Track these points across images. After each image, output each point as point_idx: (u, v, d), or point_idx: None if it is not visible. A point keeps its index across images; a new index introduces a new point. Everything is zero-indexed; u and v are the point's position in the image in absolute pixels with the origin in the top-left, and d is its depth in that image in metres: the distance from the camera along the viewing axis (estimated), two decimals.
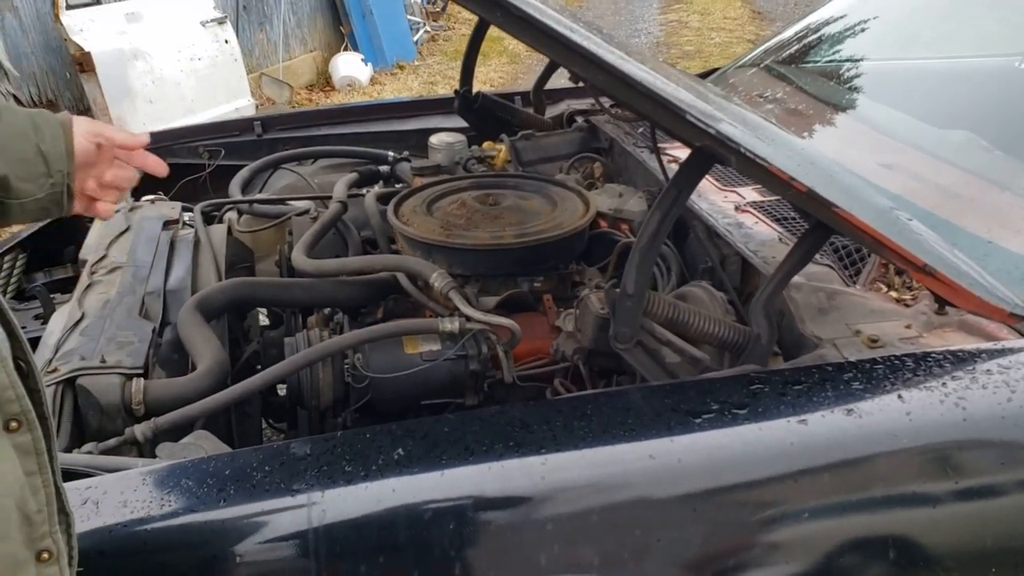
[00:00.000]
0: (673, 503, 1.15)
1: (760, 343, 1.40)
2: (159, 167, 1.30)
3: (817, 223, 1.33)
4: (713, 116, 1.24)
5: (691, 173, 1.28)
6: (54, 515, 0.78)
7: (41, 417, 0.79)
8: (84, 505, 1.09)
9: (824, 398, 1.23)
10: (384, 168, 2.47)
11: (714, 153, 1.17)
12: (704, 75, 3.00)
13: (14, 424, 0.72)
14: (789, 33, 2.96)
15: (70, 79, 5.45)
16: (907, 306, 1.55)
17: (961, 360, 1.31)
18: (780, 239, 1.73)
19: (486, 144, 2.45)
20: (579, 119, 2.60)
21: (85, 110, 5.41)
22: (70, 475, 1.28)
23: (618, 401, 1.24)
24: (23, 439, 0.73)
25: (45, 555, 0.77)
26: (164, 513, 1.07)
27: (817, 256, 1.52)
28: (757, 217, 1.82)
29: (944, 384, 1.26)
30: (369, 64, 8.23)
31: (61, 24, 5.10)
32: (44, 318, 1.77)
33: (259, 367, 1.95)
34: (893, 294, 1.61)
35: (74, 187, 1.15)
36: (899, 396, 1.24)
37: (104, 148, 1.19)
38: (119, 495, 1.10)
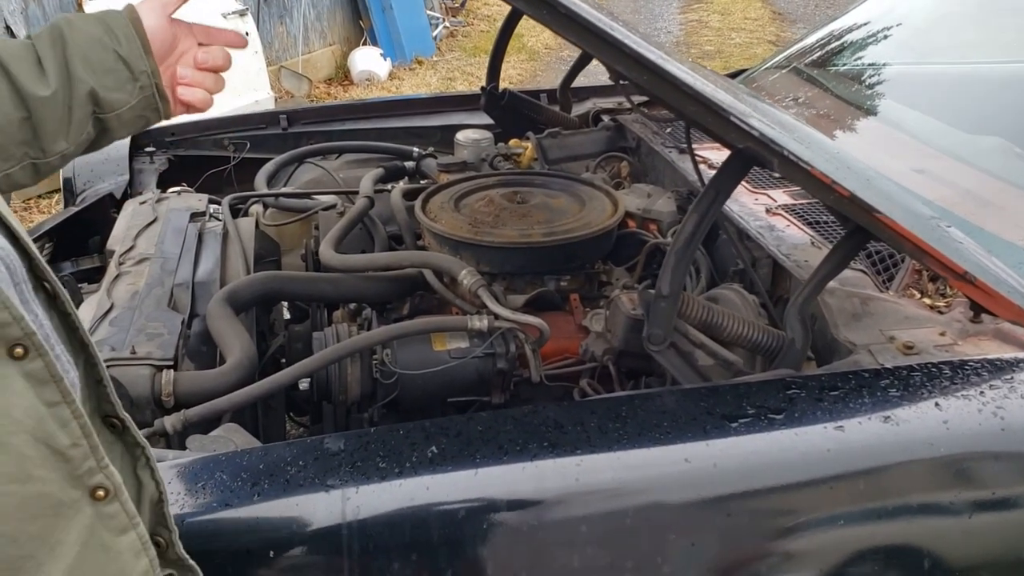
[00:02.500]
0: (708, 507, 1.14)
1: (795, 348, 1.39)
2: (238, 40, 1.22)
3: (855, 228, 1.31)
4: (755, 117, 1.23)
5: (731, 175, 1.27)
6: (98, 447, 0.68)
7: (80, 344, 0.73)
8: None
9: (861, 404, 1.22)
10: (409, 164, 2.46)
11: (756, 155, 1.16)
12: (733, 75, 2.99)
13: (19, 350, 0.62)
14: (817, 36, 2.94)
15: None
16: (941, 313, 1.54)
17: (999, 369, 1.29)
18: (812, 243, 1.71)
19: (512, 142, 2.44)
20: (605, 118, 2.59)
21: None
22: None
23: (652, 403, 1.23)
24: (34, 366, 0.63)
25: (100, 492, 0.68)
26: (198, 507, 1.07)
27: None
28: (788, 220, 1.81)
29: (982, 393, 1.24)
30: (388, 59, 8.22)
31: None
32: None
33: (283, 361, 1.95)
34: (927, 300, 1.60)
35: (162, 85, 1.09)
36: (936, 404, 1.23)
37: (180, 25, 1.12)
38: None
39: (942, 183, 1.90)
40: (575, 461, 1.13)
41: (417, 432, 1.17)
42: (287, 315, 2.31)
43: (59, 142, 1.04)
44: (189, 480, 1.11)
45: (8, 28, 5.00)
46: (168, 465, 1.14)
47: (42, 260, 0.70)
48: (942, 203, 1.76)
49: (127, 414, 0.77)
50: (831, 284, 1.47)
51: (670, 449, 1.16)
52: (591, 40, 1.05)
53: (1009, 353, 1.36)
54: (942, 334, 1.45)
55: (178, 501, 1.07)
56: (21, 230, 0.69)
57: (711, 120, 1.10)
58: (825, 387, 1.25)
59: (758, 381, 1.29)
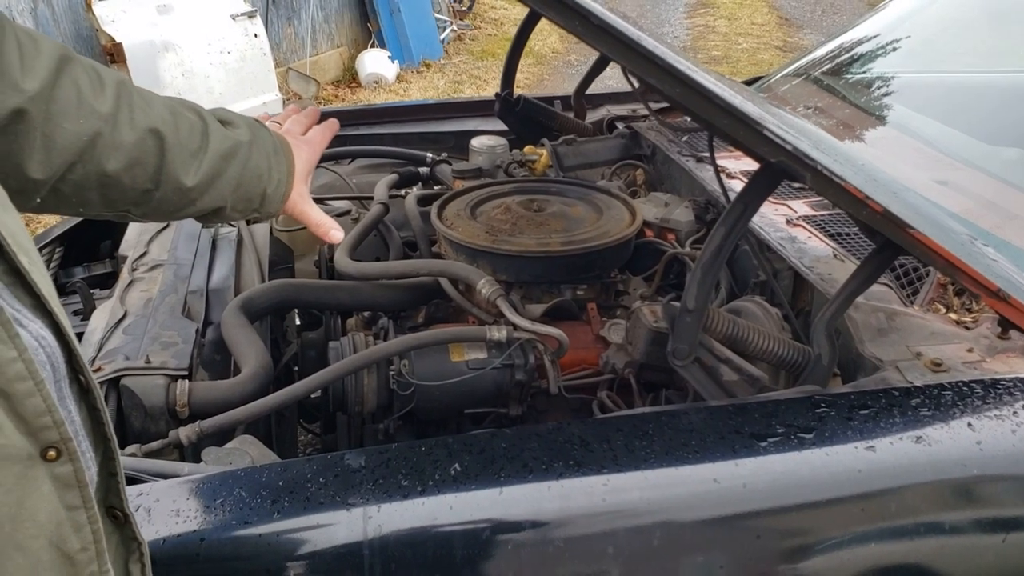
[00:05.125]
0: (737, 529, 1.12)
1: (821, 364, 1.36)
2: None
3: (885, 243, 1.29)
4: (787, 130, 1.21)
5: (760, 188, 1.24)
6: (103, 553, 0.68)
7: (103, 438, 0.73)
8: (137, 512, 1.06)
9: (892, 424, 1.20)
10: (423, 169, 2.44)
11: (787, 169, 1.13)
12: (748, 83, 2.96)
13: (52, 453, 0.62)
14: (833, 44, 2.92)
15: None
16: (967, 329, 1.51)
17: None
18: (835, 255, 1.69)
19: (527, 148, 2.42)
20: (620, 125, 2.57)
21: None
22: None
23: (679, 421, 1.21)
24: (63, 469, 0.64)
25: None
26: (217, 524, 1.05)
27: None
28: (810, 232, 1.79)
29: (1015, 413, 1.22)
30: (396, 62, 8.21)
31: (93, 14, 5.09)
32: (84, 314, 1.75)
33: (296, 369, 1.93)
34: (952, 315, 1.57)
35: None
36: (969, 424, 1.20)
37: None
38: (171, 503, 1.08)
39: (965, 195, 1.88)
40: (602, 480, 1.11)
41: (440, 449, 1.15)
42: (298, 321, 2.29)
43: (158, 216, 1.06)
44: (207, 496, 1.09)
45: None
46: (184, 481, 1.12)
47: (81, 353, 0.70)
48: (966, 215, 1.74)
49: (130, 509, 0.77)
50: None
51: (698, 468, 1.14)
52: (622, 51, 1.02)
53: None
54: (970, 350, 1.43)
55: (196, 518, 1.05)
56: (64, 320, 0.68)
57: (743, 133, 1.08)
58: (855, 406, 1.23)
59: (786, 399, 1.26)
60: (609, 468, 1.12)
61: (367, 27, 8.69)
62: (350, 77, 8.23)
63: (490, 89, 7.63)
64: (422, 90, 7.92)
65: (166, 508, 1.07)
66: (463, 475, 1.10)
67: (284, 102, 6.34)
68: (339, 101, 7.59)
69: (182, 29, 5.37)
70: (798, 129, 1.55)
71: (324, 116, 1.32)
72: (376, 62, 8.04)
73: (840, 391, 1.29)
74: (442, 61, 8.99)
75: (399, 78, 8.15)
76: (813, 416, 1.21)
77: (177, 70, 5.25)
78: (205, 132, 1.03)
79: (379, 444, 1.65)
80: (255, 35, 5.79)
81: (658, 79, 1.03)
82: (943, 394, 1.25)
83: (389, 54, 8.20)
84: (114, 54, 4.92)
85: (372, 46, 8.52)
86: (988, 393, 1.25)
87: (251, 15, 5.85)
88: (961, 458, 1.17)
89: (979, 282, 1.21)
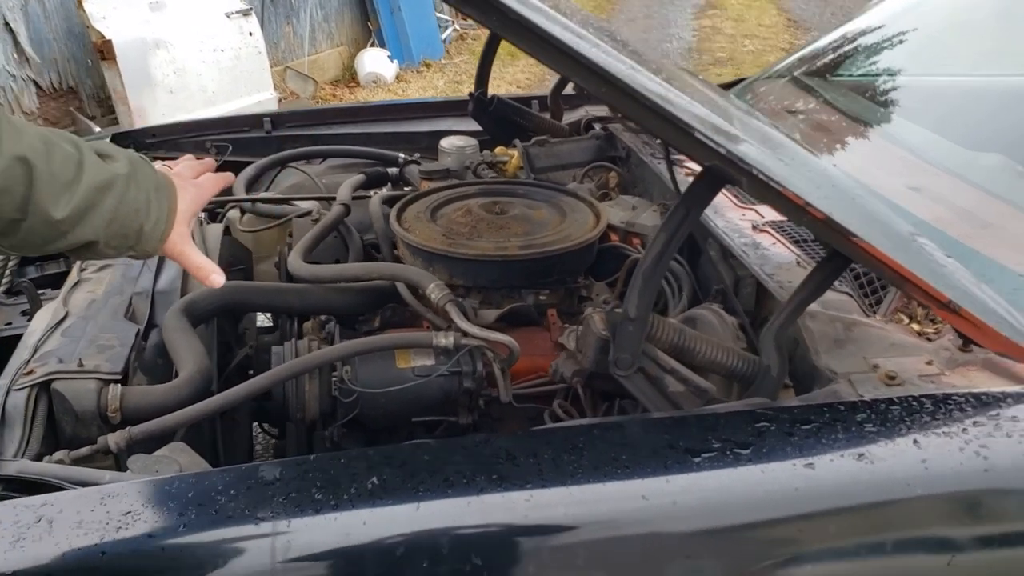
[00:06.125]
0: (665, 548, 1.07)
1: (770, 375, 1.31)
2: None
3: (834, 251, 1.24)
4: (727, 133, 1.16)
5: (701, 193, 1.19)
6: None
7: None
8: (38, 523, 1.03)
9: (834, 440, 1.15)
10: (393, 170, 2.40)
11: (724, 173, 1.09)
12: (732, 84, 2.91)
13: None
14: (822, 43, 2.86)
15: (91, 67, 5.41)
16: (929, 340, 1.46)
17: (984, 404, 1.22)
18: (798, 262, 1.64)
19: (498, 149, 2.37)
20: (597, 126, 2.52)
21: (105, 99, 5.39)
22: (37, 486, 1.23)
23: (614, 434, 1.16)
24: None
25: None
26: (120, 537, 1.00)
27: (836, 283, 1.44)
28: (775, 238, 1.74)
29: (965, 430, 1.17)
30: (395, 61, 8.18)
31: (84, 11, 5.07)
32: (31, 315, 1.71)
33: (251, 372, 1.89)
34: (915, 327, 1.52)
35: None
36: (915, 441, 1.15)
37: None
38: (75, 514, 1.04)
39: (938, 202, 1.82)
40: (524, 496, 1.06)
41: (360, 461, 1.11)
42: (268, 323, 2.25)
43: (28, 248, 1.04)
44: (113, 508, 1.04)
45: (7, 24, 4.97)
46: (90, 492, 1.08)
47: None
48: (937, 223, 1.69)
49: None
50: (814, 307, 1.40)
51: (627, 484, 1.09)
52: (544, 49, 0.98)
53: (997, 386, 1.28)
54: (929, 363, 1.38)
55: (98, 530, 1.01)
56: None
57: (674, 136, 1.03)
58: (797, 420, 1.18)
59: (727, 412, 1.21)
60: (533, 483, 1.07)
61: (367, 26, 8.67)
62: (349, 76, 8.21)
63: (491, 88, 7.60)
64: (421, 90, 7.89)
65: (69, 520, 1.03)
66: (380, 489, 1.06)
67: (279, 101, 6.31)
68: (337, 100, 7.57)
69: (175, 26, 5.35)
70: (758, 134, 1.51)
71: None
72: (375, 62, 8.02)
73: (784, 405, 1.25)
74: (443, 61, 8.96)
75: (398, 78, 8.12)
76: (752, 431, 1.16)
77: (169, 68, 5.23)
78: (80, 163, 1.01)
79: (327, 452, 1.61)
80: (250, 33, 5.77)
81: (584, 79, 0.99)
82: (891, 409, 1.20)
83: (388, 53, 8.17)
84: (104, 51, 4.90)
85: (372, 45, 8.49)
86: (938, 409, 1.20)
87: (246, 13, 5.83)
88: (905, 477, 1.12)
89: (928, 292, 1.16)
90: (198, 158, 1.35)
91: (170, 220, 1.12)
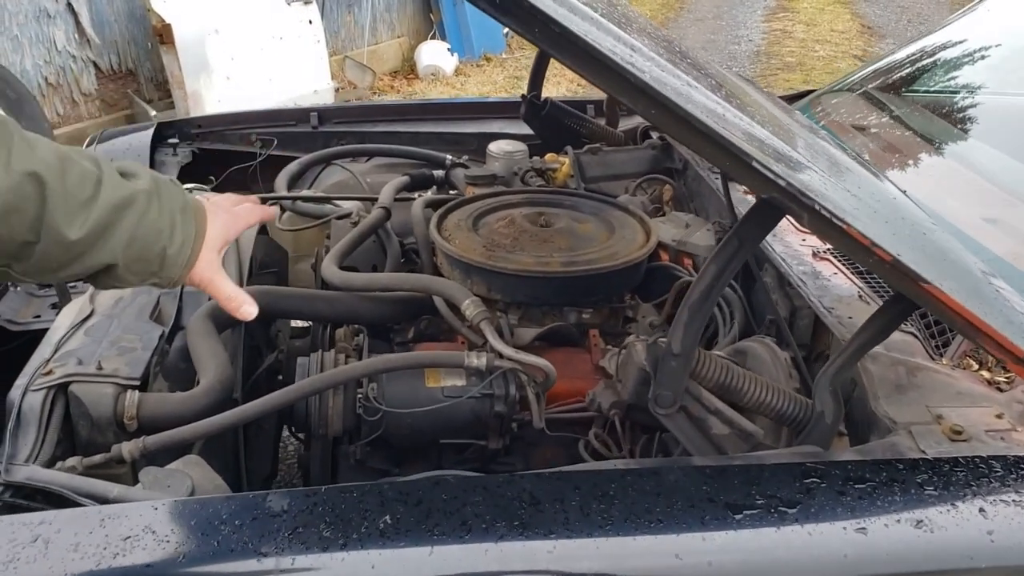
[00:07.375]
0: None
1: (823, 422, 1.21)
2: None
3: (900, 293, 1.13)
4: (788, 159, 1.06)
5: (756, 225, 1.10)
6: None
7: None
8: (34, 543, 0.98)
9: (890, 503, 1.05)
10: (439, 173, 2.32)
11: (783, 206, 0.99)
12: (800, 95, 2.78)
13: None
14: (897, 56, 2.72)
15: (151, 50, 5.44)
16: (1000, 390, 1.35)
17: None
18: (860, 296, 1.53)
19: (549, 156, 2.29)
20: (654, 135, 2.42)
21: (163, 83, 5.42)
22: (45, 495, 1.18)
23: (648, 482, 1.08)
24: None
25: None
26: (116, 566, 0.95)
27: None
28: (836, 267, 1.63)
29: None
30: (455, 54, 8.12)
31: None
32: (59, 308, 1.68)
33: (280, 378, 1.84)
34: (985, 374, 1.41)
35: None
36: (981, 510, 1.04)
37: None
38: (72, 536, 0.98)
39: (1016, 236, 1.69)
40: (547, 546, 0.98)
41: (372, 496, 1.03)
42: (303, 324, 2.20)
43: (43, 274, 0.97)
44: (112, 531, 0.99)
45: (70, 5, 5.01)
46: (90, 511, 1.03)
47: None
48: (1014, 261, 1.56)
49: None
50: (874, 348, 1.30)
51: (659, 540, 1.00)
52: (578, 58, 0.89)
53: None
54: (999, 416, 1.27)
55: (94, 556, 0.96)
56: None
57: (730, 165, 0.94)
58: (851, 478, 1.08)
59: (773, 464, 1.12)
60: (558, 533, 0.99)
61: (429, 18, 8.62)
62: (408, 68, 8.17)
63: (549, 87, 7.50)
64: (480, 84, 7.82)
65: (66, 542, 0.98)
66: (392, 529, 0.99)
67: (337, 91, 6.30)
68: (394, 92, 7.54)
69: (234, 12, 5.35)
70: (824, 157, 1.40)
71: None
72: (435, 54, 7.97)
73: (837, 460, 1.14)
74: (504, 55, 8.87)
75: (458, 71, 8.06)
76: (801, 487, 1.06)
77: (227, 54, 5.23)
78: (99, 181, 0.94)
79: (350, 468, 1.55)
80: (309, 21, 5.75)
81: (630, 98, 0.90)
82: (955, 471, 1.09)
83: (448, 46, 8.11)
84: (163, 35, 4.92)
85: (433, 37, 8.45)
86: (1009, 473, 1.09)
87: (307, 1, 5.82)
88: (967, 549, 1.01)
89: (1003, 346, 1.05)
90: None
91: (197, 245, 1.04)
